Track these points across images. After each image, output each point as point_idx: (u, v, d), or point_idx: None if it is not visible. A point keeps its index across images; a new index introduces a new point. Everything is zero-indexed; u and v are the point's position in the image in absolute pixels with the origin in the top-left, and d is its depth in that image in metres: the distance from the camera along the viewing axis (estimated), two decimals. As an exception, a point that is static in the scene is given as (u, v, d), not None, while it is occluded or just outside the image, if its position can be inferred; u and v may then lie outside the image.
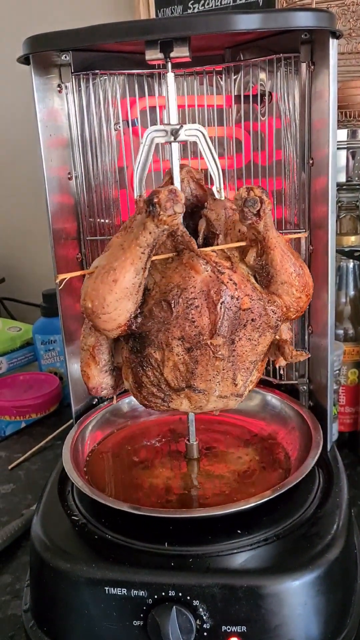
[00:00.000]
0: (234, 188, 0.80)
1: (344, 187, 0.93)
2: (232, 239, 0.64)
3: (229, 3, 1.12)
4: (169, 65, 0.60)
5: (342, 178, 0.92)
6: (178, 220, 0.55)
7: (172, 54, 0.59)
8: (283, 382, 0.82)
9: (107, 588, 0.56)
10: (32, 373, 1.22)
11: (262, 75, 0.75)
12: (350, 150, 0.91)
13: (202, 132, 0.61)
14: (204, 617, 0.54)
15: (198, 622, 0.54)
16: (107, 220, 0.79)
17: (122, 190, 0.78)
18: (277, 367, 0.69)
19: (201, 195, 0.67)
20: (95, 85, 0.74)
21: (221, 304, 0.58)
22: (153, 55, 0.60)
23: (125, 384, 0.65)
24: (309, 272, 0.63)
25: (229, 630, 0.54)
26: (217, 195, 0.65)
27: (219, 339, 0.59)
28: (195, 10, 1.17)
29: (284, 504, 0.62)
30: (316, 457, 0.65)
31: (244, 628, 0.54)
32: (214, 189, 0.64)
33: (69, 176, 0.75)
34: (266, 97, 0.75)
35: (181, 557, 0.57)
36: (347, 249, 0.89)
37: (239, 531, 0.59)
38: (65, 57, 0.68)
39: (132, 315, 0.59)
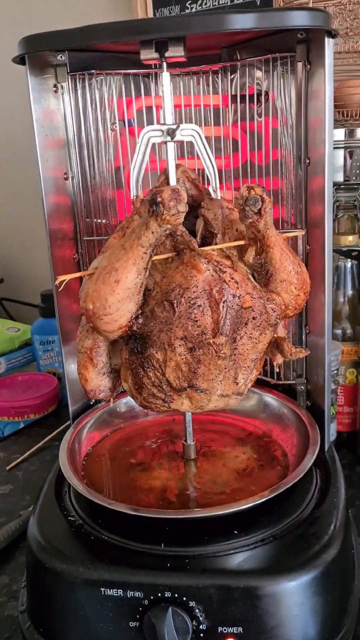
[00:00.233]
0: (230, 188, 0.80)
1: (342, 186, 0.93)
2: (230, 238, 0.64)
3: (227, 3, 1.12)
4: (164, 65, 0.60)
5: (340, 177, 0.92)
6: (181, 219, 0.55)
7: (167, 54, 0.59)
8: (281, 382, 0.82)
9: (103, 589, 0.55)
10: (30, 373, 1.22)
11: (259, 75, 0.75)
12: (348, 150, 0.90)
13: (197, 132, 0.61)
14: (200, 618, 0.54)
15: (194, 623, 0.54)
16: (104, 221, 0.78)
17: (119, 190, 0.78)
18: (274, 365, 0.69)
19: (197, 195, 0.67)
20: (92, 86, 0.73)
21: (223, 302, 0.58)
22: (148, 55, 0.59)
23: (124, 385, 0.65)
24: (306, 269, 0.64)
25: (226, 631, 0.54)
26: (213, 195, 0.65)
27: (222, 338, 0.59)
28: (193, 10, 1.16)
29: (281, 504, 0.62)
30: (313, 458, 0.65)
31: (240, 629, 0.54)
32: (210, 189, 0.64)
33: (66, 176, 0.75)
34: (262, 97, 0.75)
35: (177, 557, 0.57)
36: (344, 249, 0.89)
37: (235, 532, 0.59)
38: (61, 57, 0.68)
39: (133, 316, 0.58)
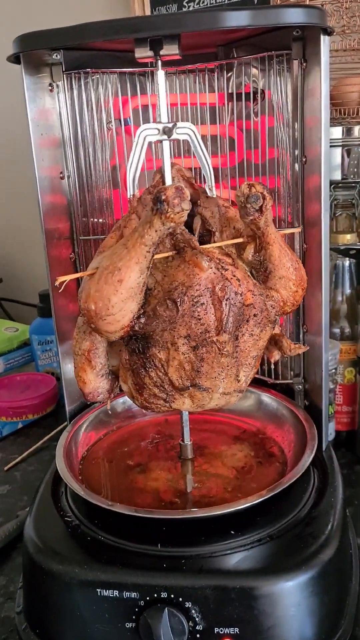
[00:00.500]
0: (227, 186, 0.79)
1: (340, 185, 0.93)
2: (227, 236, 0.64)
3: (224, 1, 1.12)
4: (159, 63, 0.60)
5: (338, 176, 0.92)
6: (185, 217, 0.54)
7: (162, 52, 0.58)
8: (278, 382, 0.82)
9: (99, 590, 0.55)
10: (29, 374, 1.22)
11: (255, 73, 0.74)
12: (346, 148, 0.90)
13: (193, 131, 0.61)
14: (197, 619, 0.54)
15: (190, 623, 0.54)
16: (100, 220, 0.78)
17: (115, 189, 0.78)
18: (271, 362, 0.69)
19: (192, 193, 0.66)
20: (87, 84, 0.73)
21: (226, 300, 0.58)
22: (143, 53, 0.59)
23: (123, 387, 0.64)
24: (302, 266, 0.64)
25: (222, 632, 0.54)
26: (209, 193, 0.65)
27: (225, 336, 0.59)
28: (191, 8, 1.16)
29: (278, 504, 0.62)
30: (310, 458, 0.65)
31: (236, 629, 0.53)
32: (206, 187, 0.64)
33: (61, 176, 0.75)
34: (259, 95, 0.75)
35: (174, 558, 0.56)
36: (342, 247, 0.89)
37: (232, 532, 0.59)
38: (56, 55, 0.68)
39: (135, 316, 0.58)
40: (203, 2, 1.14)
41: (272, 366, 0.82)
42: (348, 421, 0.93)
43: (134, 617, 0.55)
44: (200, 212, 0.66)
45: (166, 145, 0.62)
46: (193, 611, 0.54)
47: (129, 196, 0.63)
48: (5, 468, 0.95)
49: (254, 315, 0.60)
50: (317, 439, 0.69)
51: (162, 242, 0.61)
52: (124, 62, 0.74)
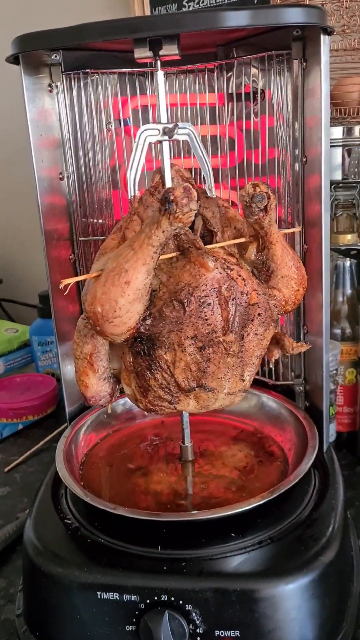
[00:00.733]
0: (227, 187, 0.79)
1: (340, 185, 0.93)
2: (229, 236, 0.64)
3: (223, 1, 1.12)
4: (158, 63, 0.60)
5: (338, 176, 0.91)
6: (192, 217, 0.54)
7: (161, 52, 0.58)
8: (279, 383, 0.82)
9: (99, 592, 0.55)
10: (29, 375, 1.21)
11: (255, 73, 0.74)
12: (346, 148, 0.90)
13: (192, 131, 0.61)
14: (197, 622, 0.53)
15: (191, 626, 0.54)
16: (100, 221, 0.78)
17: (115, 190, 0.78)
18: (271, 361, 0.69)
19: (192, 194, 0.66)
20: (87, 85, 0.73)
21: (232, 300, 0.58)
22: (142, 53, 0.59)
23: (126, 390, 0.64)
24: (303, 265, 0.64)
25: (222, 635, 0.53)
26: (209, 194, 0.64)
27: (232, 336, 0.59)
28: (190, 7, 1.16)
29: (279, 506, 0.62)
30: (311, 460, 0.65)
31: (237, 632, 0.53)
32: (206, 188, 0.64)
33: (61, 176, 0.74)
34: (259, 95, 0.74)
35: (174, 560, 0.56)
36: (343, 248, 0.89)
37: (232, 534, 0.59)
38: (56, 56, 0.68)
39: (141, 318, 0.58)
40: (203, 1, 1.14)
41: (273, 367, 0.82)
42: (349, 422, 0.93)
43: (134, 620, 0.54)
44: (202, 213, 0.66)
45: (166, 145, 0.61)
46: (193, 614, 0.53)
47: (129, 197, 0.63)
48: (5, 469, 0.95)
49: (259, 314, 0.61)
50: (318, 441, 0.68)
51: (166, 244, 0.60)
52: (123, 63, 0.74)
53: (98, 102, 0.74)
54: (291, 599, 0.54)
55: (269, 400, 0.79)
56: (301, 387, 0.79)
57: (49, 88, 0.71)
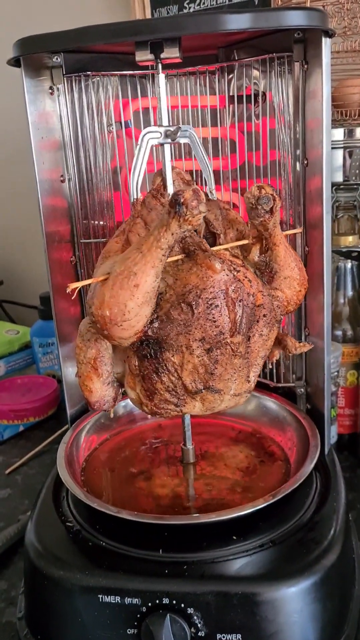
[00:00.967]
0: (229, 189, 0.79)
1: (341, 186, 0.93)
2: (231, 238, 0.64)
3: (224, 2, 1.11)
4: (160, 66, 0.60)
5: (339, 178, 0.91)
6: (201, 220, 0.54)
7: (162, 55, 0.58)
8: (280, 385, 0.82)
9: (100, 596, 0.55)
10: (30, 376, 1.21)
11: (256, 75, 0.74)
12: (347, 150, 0.90)
13: (193, 133, 0.61)
14: (199, 625, 0.53)
15: (192, 630, 0.53)
16: (101, 223, 0.78)
17: (116, 192, 0.78)
18: (272, 362, 0.69)
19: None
20: (88, 87, 0.73)
21: (239, 301, 0.58)
22: (143, 56, 0.59)
23: (130, 393, 0.63)
24: (304, 266, 0.65)
25: (224, 638, 0.53)
26: (210, 196, 0.64)
27: (239, 337, 0.59)
28: (191, 9, 1.16)
29: (281, 509, 0.61)
30: (313, 463, 0.65)
31: (239, 636, 0.53)
32: (207, 190, 0.64)
33: (62, 179, 0.74)
34: (260, 97, 0.74)
35: (176, 564, 0.56)
36: (344, 249, 0.89)
37: (234, 537, 0.59)
38: (57, 59, 0.68)
39: (149, 321, 0.57)
40: (203, 3, 1.14)
41: (274, 369, 0.82)
42: (350, 424, 0.93)
43: (135, 623, 0.54)
44: (205, 215, 0.66)
45: (167, 148, 0.61)
46: (195, 617, 0.53)
47: (132, 200, 0.63)
48: (7, 471, 0.95)
49: (264, 315, 0.61)
50: (320, 443, 0.68)
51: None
52: (124, 65, 0.74)
53: (99, 104, 0.74)
54: (293, 602, 0.54)
55: (269, 402, 0.79)
56: (302, 390, 0.79)
57: (50, 90, 0.71)
